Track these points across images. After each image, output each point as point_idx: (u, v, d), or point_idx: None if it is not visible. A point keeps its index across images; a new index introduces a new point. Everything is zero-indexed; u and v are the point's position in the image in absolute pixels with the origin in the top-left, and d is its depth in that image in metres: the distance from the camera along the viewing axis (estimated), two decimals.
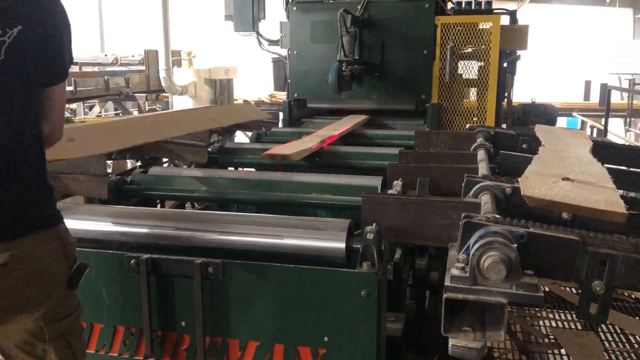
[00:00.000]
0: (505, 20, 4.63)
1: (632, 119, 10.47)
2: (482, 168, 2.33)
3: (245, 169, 3.53)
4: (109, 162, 3.77)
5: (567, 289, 4.04)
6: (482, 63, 4.32)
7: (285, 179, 2.78)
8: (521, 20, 4.90)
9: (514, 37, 4.53)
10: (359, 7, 4.33)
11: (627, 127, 10.40)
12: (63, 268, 1.66)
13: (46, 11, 1.57)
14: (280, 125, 4.87)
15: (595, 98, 11.29)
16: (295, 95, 4.75)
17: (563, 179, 1.78)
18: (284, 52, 5.04)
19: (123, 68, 10.51)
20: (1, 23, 1.47)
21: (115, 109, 9.26)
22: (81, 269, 1.70)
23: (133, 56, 11.27)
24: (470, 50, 4.35)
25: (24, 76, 1.53)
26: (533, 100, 5.56)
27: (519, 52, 4.89)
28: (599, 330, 3.56)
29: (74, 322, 1.71)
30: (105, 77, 8.61)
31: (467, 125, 3.88)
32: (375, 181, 2.61)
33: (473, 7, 4.67)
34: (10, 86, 1.51)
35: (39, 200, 1.63)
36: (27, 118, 1.57)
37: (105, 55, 11.36)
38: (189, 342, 1.95)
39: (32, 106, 1.58)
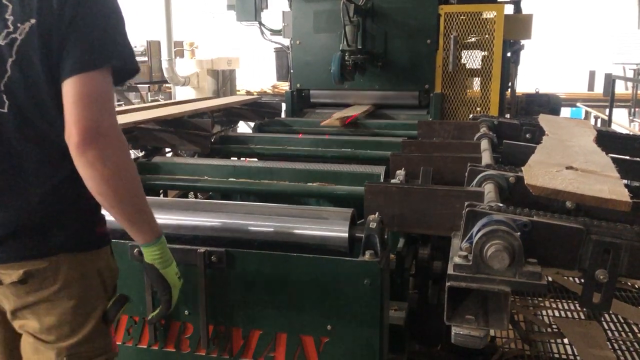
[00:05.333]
0: (509, 9, 4.59)
1: (637, 109, 10.42)
2: (486, 157, 2.33)
3: (248, 159, 3.53)
4: None
5: (571, 278, 4.03)
6: (485, 53, 4.29)
7: (288, 167, 2.78)
8: (525, 9, 4.87)
9: (518, 26, 4.50)
10: None
11: (631, 117, 10.38)
12: (99, 299, 1.48)
13: None
14: (283, 115, 4.85)
15: (599, 88, 11.22)
16: (298, 85, 4.73)
17: (567, 168, 1.77)
18: (286, 42, 5.01)
19: None
20: None
21: (118, 100, 9.26)
22: (120, 302, 1.52)
23: (135, 47, 11.25)
24: (473, 39, 4.31)
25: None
26: (537, 90, 5.54)
27: (522, 42, 4.86)
28: (602, 319, 3.56)
29: None
30: None
31: (471, 115, 3.85)
32: (379, 170, 2.61)
33: None
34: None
35: (72, 218, 1.42)
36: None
37: None
38: (192, 331, 1.96)
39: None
